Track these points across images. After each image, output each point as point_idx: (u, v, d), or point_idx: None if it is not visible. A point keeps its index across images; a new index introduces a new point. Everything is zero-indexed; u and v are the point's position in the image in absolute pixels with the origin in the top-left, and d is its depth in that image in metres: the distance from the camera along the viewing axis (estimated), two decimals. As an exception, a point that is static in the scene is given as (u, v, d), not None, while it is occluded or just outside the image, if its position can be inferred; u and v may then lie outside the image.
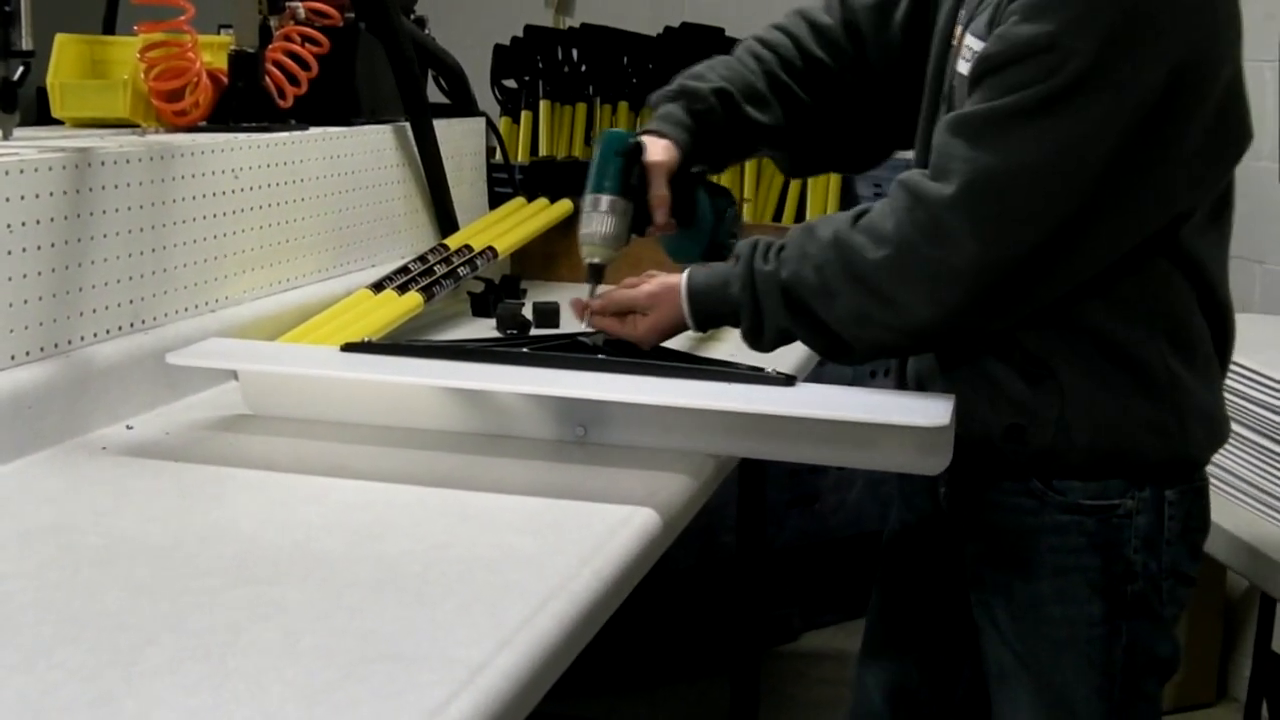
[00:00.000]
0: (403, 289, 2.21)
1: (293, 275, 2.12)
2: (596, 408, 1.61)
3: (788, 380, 1.58)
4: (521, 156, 3.45)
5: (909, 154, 1.77)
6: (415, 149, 2.50)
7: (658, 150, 1.70)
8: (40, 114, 2.25)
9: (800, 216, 3.13)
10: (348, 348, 1.67)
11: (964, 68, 1.56)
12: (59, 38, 2.14)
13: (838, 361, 1.65)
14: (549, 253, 2.71)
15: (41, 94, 2.19)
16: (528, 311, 2.32)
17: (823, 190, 3.21)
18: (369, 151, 2.35)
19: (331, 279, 2.22)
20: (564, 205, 2.66)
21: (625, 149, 1.67)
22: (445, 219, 2.59)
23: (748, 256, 1.62)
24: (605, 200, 1.67)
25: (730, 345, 2.15)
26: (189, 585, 1.21)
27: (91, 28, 2.39)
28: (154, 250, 1.79)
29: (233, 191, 1.96)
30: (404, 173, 2.47)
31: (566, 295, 2.55)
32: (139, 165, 1.76)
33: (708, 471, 1.60)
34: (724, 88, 1.75)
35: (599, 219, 1.67)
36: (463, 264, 2.35)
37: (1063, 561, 1.60)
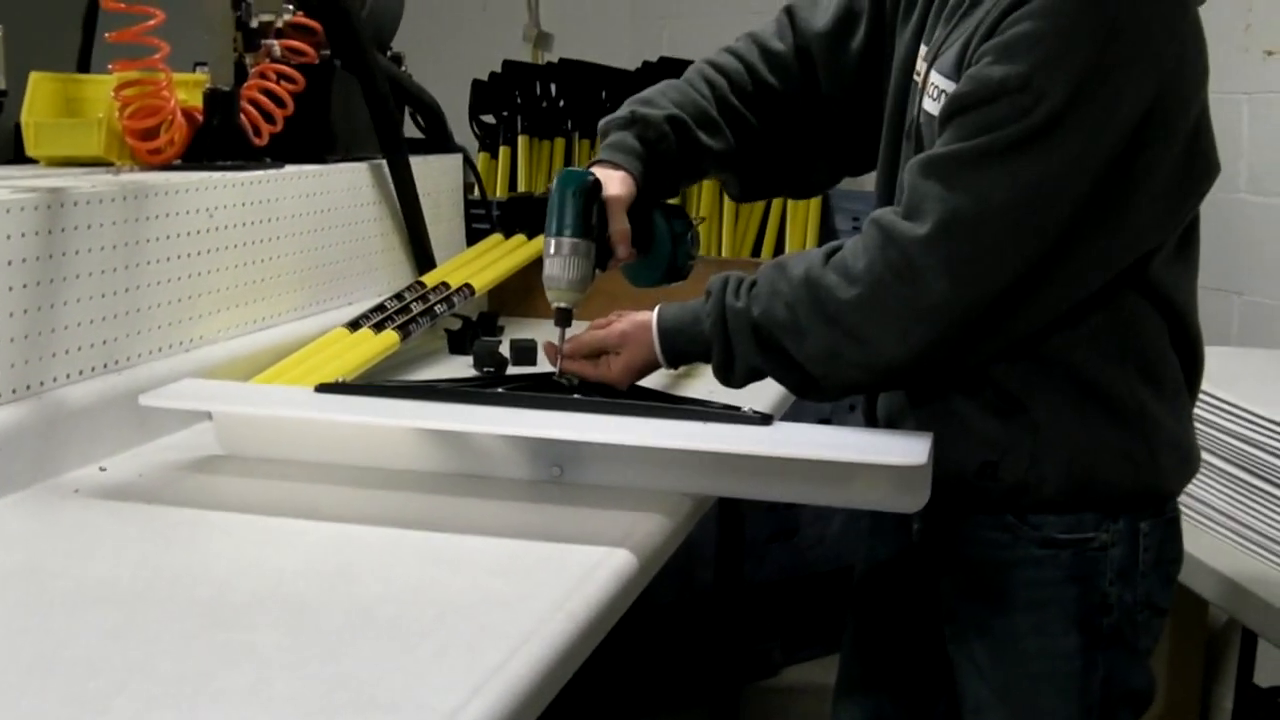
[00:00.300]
0: (379, 327, 2.20)
1: (268, 314, 2.11)
2: (572, 448, 1.61)
3: (764, 419, 1.58)
4: (500, 192, 3.44)
5: (866, 187, 1.79)
6: (392, 186, 2.49)
7: (614, 184, 1.69)
8: (17, 152, 2.24)
9: (779, 249, 3.13)
10: (322, 388, 1.66)
11: (931, 106, 1.57)
12: (33, 76, 2.13)
13: (807, 398, 1.65)
14: (527, 288, 2.69)
15: (19, 132, 2.18)
16: (505, 349, 2.32)
17: (801, 223, 3.22)
18: (345, 189, 2.35)
19: (308, 317, 2.21)
20: (541, 242, 2.65)
21: (584, 188, 1.66)
22: (422, 256, 2.58)
23: (719, 293, 1.62)
24: (567, 243, 1.66)
25: (706, 383, 2.15)
26: (160, 630, 1.20)
27: (67, 66, 2.38)
28: (127, 290, 1.78)
29: (207, 230, 1.95)
30: (380, 210, 2.47)
31: (544, 332, 2.55)
32: (112, 205, 1.75)
33: (684, 510, 1.59)
34: (676, 115, 1.75)
35: (562, 263, 1.66)
36: (439, 302, 2.35)
37: (1039, 595, 1.60)
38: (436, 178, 2.68)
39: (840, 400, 1.71)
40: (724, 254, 3.06)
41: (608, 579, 1.36)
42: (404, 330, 2.22)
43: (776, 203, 3.13)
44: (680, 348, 1.67)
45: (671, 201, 1.83)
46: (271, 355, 2.02)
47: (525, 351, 2.33)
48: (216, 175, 1.99)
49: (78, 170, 2.03)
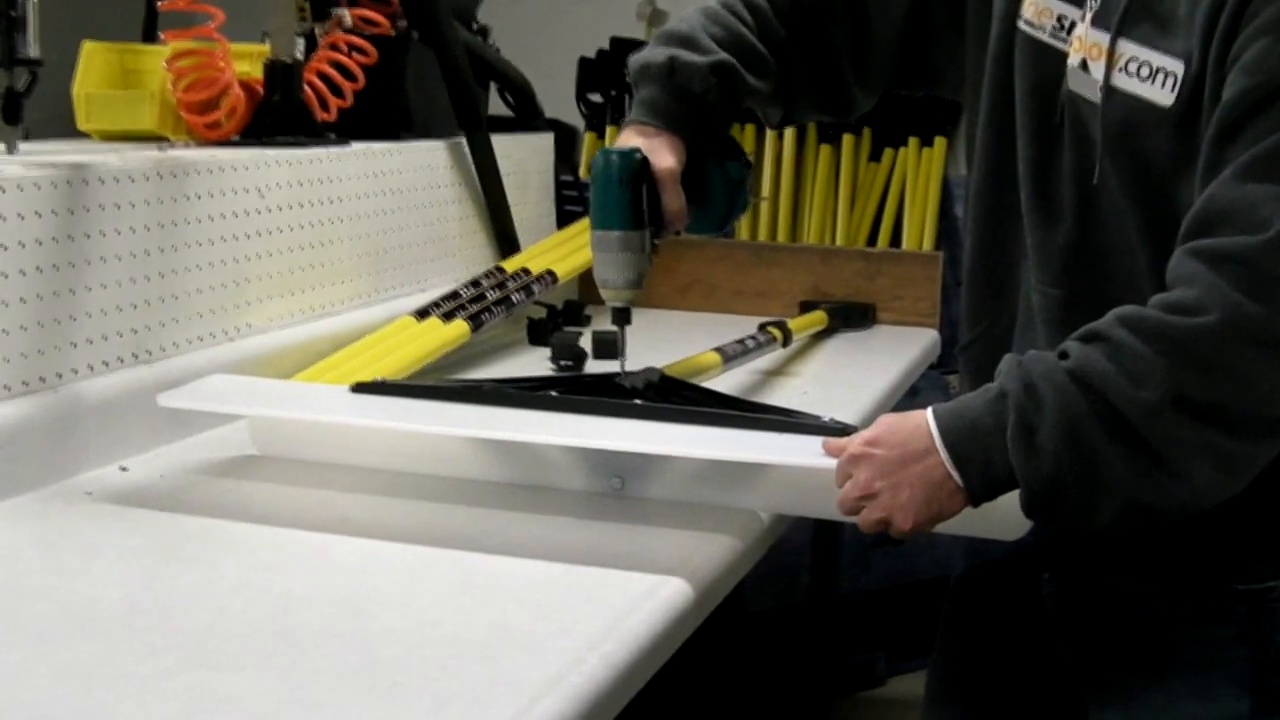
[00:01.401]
0: (449, 316, 2.05)
1: (326, 302, 1.97)
2: (636, 458, 1.44)
3: (846, 431, 1.40)
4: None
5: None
6: (472, 166, 2.34)
7: (664, 154, 1.50)
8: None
9: (896, 240, 2.93)
10: (359, 388, 1.51)
11: (1128, 83, 1.32)
12: (85, 45, 2.00)
13: (1160, 512, 1.28)
14: (617, 276, 2.54)
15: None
16: (586, 341, 2.15)
17: (920, 210, 3.01)
18: (419, 168, 2.20)
19: (373, 305, 2.07)
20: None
21: (632, 174, 1.48)
22: (505, 240, 2.43)
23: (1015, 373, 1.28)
24: (618, 237, 1.49)
25: (788, 392, 1.97)
26: (133, 667, 1.05)
27: (132, 35, 2.26)
28: (162, 275, 1.65)
29: (257, 211, 1.81)
30: (459, 191, 2.32)
31: (633, 322, 2.40)
32: (146, 183, 1.61)
33: (756, 532, 1.42)
34: (722, 60, 1.53)
35: (615, 261, 1.50)
36: (518, 289, 2.19)
37: (1205, 654, 1.39)
38: (524, 157, 2.53)
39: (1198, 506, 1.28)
40: (839, 242, 2.87)
41: (656, 613, 1.19)
42: (475, 320, 2.06)
43: (894, 190, 2.94)
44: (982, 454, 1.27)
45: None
46: (328, 346, 1.88)
47: (608, 345, 2.17)
48: (270, 152, 1.85)
49: (126, 146, 1.90)
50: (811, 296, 2.57)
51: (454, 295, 2.14)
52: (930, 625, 1.73)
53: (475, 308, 2.09)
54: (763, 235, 2.87)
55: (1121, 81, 1.32)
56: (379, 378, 1.57)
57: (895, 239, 2.95)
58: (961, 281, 1.63)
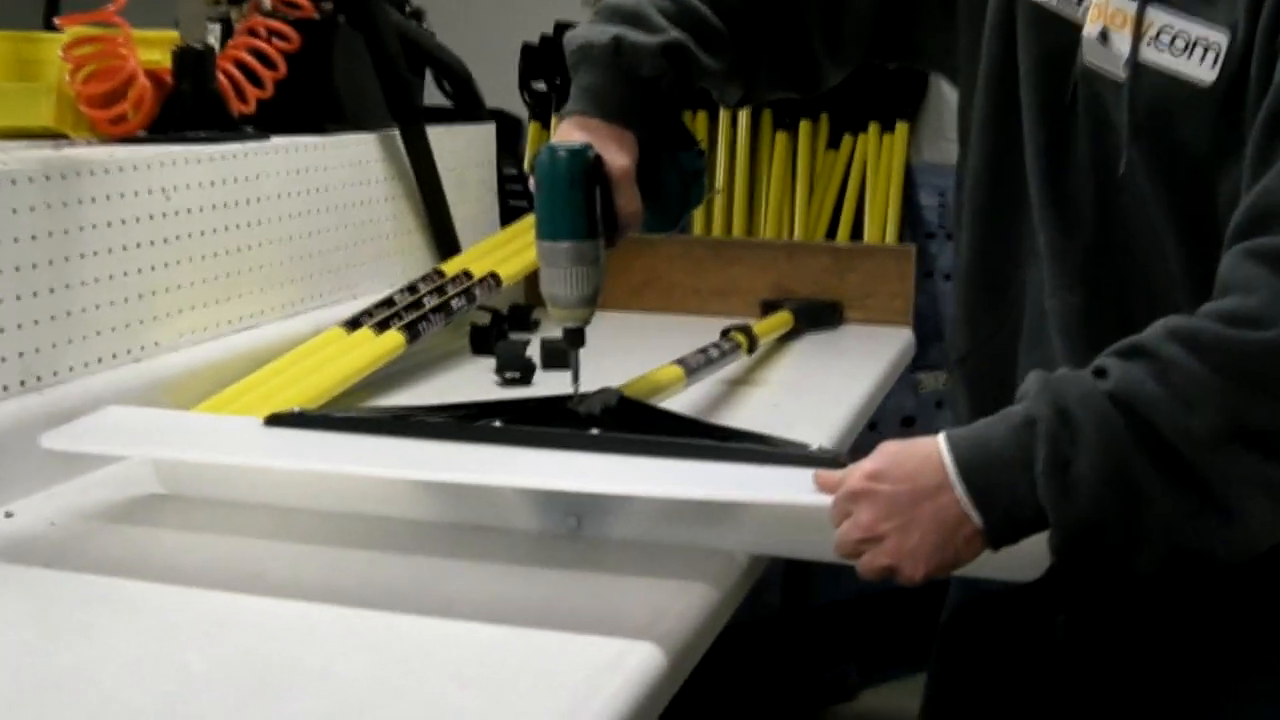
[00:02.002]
0: (382, 326, 1.87)
1: (245, 313, 1.78)
2: (592, 496, 1.26)
3: (837, 460, 1.22)
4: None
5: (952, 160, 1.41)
6: (406, 160, 2.16)
7: (616, 151, 1.33)
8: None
9: (857, 233, 2.76)
10: (273, 420, 1.32)
11: (1158, 56, 1.15)
12: (-26, 34, 1.81)
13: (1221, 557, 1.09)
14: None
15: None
16: (534, 350, 1.97)
17: (882, 201, 2.82)
18: (348, 164, 2.01)
19: (298, 315, 1.88)
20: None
21: (583, 174, 1.31)
22: (444, 240, 2.25)
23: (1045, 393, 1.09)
24: (569, 249, 1.31)
25: (757, 405, 1.79)
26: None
27: (33, 23, 2.06)
28: (52, 291, 1.45)
29: (164, 215, 1.62)
30: (392, 188, 2.13)
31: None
32: (30, 186, 1.42)
33: (734, 576, 1.24)
34: (674, 41, 1.35)
35: (566, 275, 1.32)
36: (457, 294, 2.01)
37: (1254, 712, 1.23)
38: (463, 150, 2.34)
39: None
40: (796, 235, 2.69)
41: (623, 691, 1.01)
42: (412, 330, 1.88)
43: (854, 180, 2.75)
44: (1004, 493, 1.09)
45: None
46: (247, 363, 1.69)
47: (559, 354, 1.98)
48: (176, 149, 1.66)
49: (17, 145, 1.70)
50: (774, 295, 2.40)
51: (388, 303, 1.95)
52: (904, 635, 1.54)
53: (411, 316, 1.91)
54: (717, 230, 2.70)
55: (1151, 56, 1.15)
56: (296, 408, 1.37)
57: (856, 231, 2.78)
58: (952, 280, 1.45)
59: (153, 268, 1.60)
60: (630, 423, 1.34)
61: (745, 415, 1.75)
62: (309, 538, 1.27)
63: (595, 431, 1.28)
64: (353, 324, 1.87)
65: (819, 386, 1.95)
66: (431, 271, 2.08)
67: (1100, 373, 1.06)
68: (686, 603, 1.16)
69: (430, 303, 1.97)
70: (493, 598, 1.16)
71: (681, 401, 1.66)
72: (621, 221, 1.34)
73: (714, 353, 1.76)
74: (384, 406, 1.59)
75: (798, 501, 1.16)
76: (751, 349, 1.92)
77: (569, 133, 1.35)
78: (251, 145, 1.80)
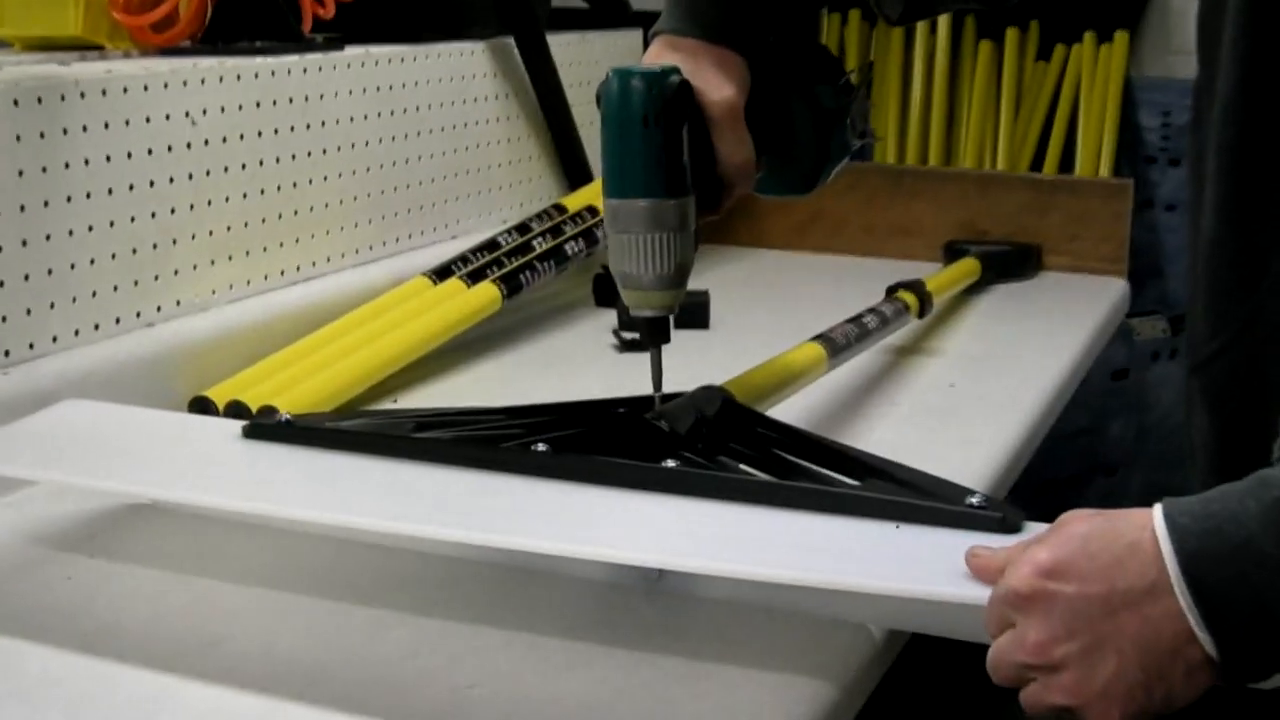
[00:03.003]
0: (477, 276, 1.56)
1: (298, 263, 1.48)
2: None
3: (1005, 521, 0.86)
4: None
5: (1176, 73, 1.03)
6: (525, 75, 1.83)
7: (715, 80, 1.00)
8: None
9: (1067, 162, 2.37)
10: (254, 431, 1.01)
11: None
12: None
13: None
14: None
15: None
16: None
17: (1096, 122, 2.43)
18: (446, 79, 1.69)
19: (370, 263, 1.58)
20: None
21: (662, 106, 0.97)
22: (574, 168, 1.93)
23: None
24: (645, 209, 0.98)
25: (926, 384, 1.44)
26: None
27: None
28: (24, 244, 1.16)
29: (187, 146, 1.32)
30: (505, 106, 1.81)
31: (732, 274, 1.89)
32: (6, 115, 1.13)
33: (858, 661, 0.91)
34: None
35: (643, 246, 0.98)
36: (574, 236, 1.68)
37: None
38: (600, 62, 2.01)
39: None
40: (999, 164, 2.32)
41: None
42: (511, 282, 1.57)
43: (1065, 98, 2.37)
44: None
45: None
46: (304, 322, 1.40)
47: (694, 310, 1.66)
48: (206, 63, 1.35)
49: (35, 58, 1.42)
50: (961, 236, 2.03)
51: (491, 245, 1.64)
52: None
53: (514, 263, 1.60)
54: (912, 158, 2.33)
55: None
56: (284, 415, 1.06)
57: (1066, 159, 2.39)
58: (1191, 250, 1.07)
59: (172, 211, 1.31)
60: (732, 439, 1.00)
61: (910, 399, 1.41)
62: (294, 583, 0.96)
63: (671, 464, 0.93)
64: (442, 273, 1.56)
65: (1009, 355, 1.60)
66: (550, 207, 1.77)
67: None
68: (794, 699, 0.83)
69: (540, 245, 1.65)
70: (529, 693, 0.84)
71: (823, 384, 1.32)
72: (725, 175, 1.00)
73: (872, 321, 1.41)
74: (409, 410, 1.27)
75: (935, 594, 0.80)
76: (923, 313, 1.56)
77: (658, 55, 1.02)
78: (314, 58, 1.49)
